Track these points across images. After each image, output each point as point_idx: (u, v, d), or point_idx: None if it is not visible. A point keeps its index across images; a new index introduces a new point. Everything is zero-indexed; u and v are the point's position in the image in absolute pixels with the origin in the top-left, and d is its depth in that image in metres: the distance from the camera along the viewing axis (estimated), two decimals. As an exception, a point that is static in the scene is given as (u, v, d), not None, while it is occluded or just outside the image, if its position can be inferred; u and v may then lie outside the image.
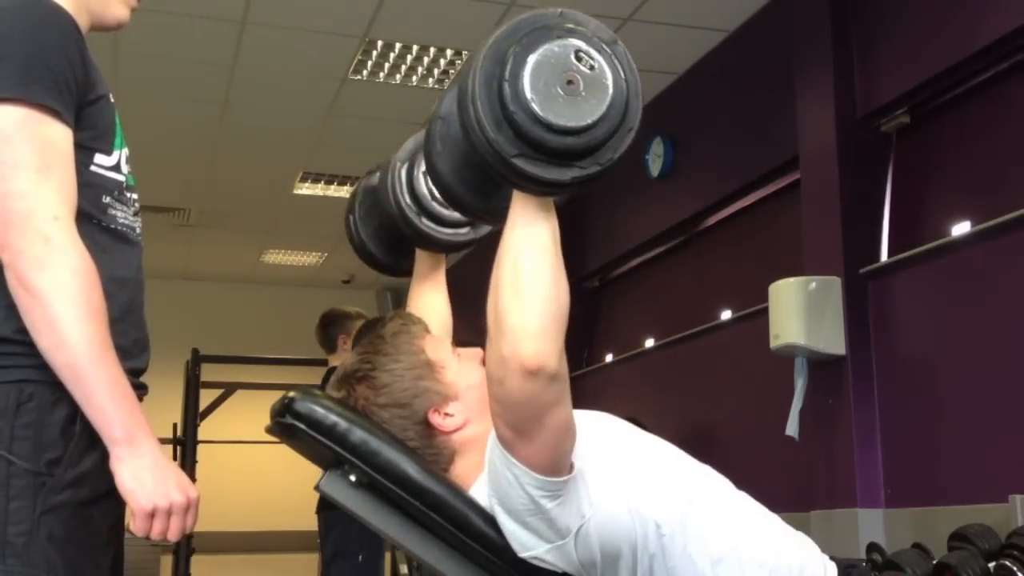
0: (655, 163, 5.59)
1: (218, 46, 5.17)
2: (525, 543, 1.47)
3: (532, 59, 1.27)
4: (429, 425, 1.63)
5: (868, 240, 4.15)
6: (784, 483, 4.40)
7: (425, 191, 1.83)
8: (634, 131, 1.33)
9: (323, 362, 5.06)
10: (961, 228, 3.84)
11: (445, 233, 1.87)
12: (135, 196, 1.65)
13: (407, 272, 2.02)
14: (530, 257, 1.33)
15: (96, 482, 1.44)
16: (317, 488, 1.63)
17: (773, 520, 1.62)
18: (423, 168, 1.80)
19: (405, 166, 1.84)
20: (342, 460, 1.59)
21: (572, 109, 1.27)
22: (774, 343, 4.10)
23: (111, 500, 1.46)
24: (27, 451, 1.38)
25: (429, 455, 1.63)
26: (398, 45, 5.28)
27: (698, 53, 5.30)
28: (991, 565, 2.82)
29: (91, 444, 1.43)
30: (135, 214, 1.63)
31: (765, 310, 4.23)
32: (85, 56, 1.50)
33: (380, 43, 5.24)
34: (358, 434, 1.57)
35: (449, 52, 5.35)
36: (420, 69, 5.54)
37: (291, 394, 1.62)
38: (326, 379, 4.60)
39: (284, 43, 5.17)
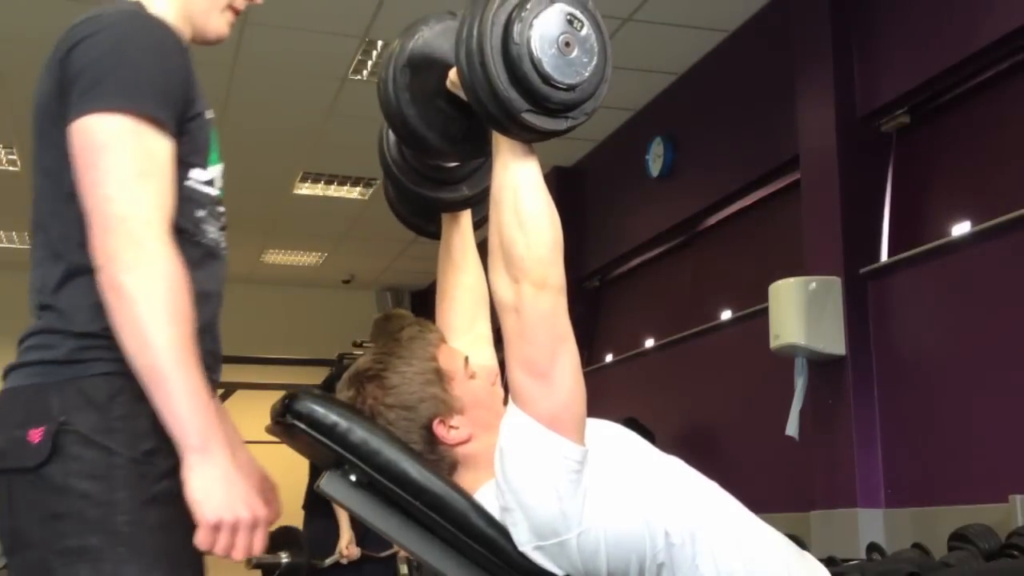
0: (655, 163, 5.59)
1: (218, 46, 5.15)
2: (523, 537, 1.48)
3: (537, 24, 1.44)
4: (433, 433, 1.64)
5: (868, 240, 4.15)
6: (784, 483, 4.40)
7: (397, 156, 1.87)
8: (608, 82, 1.53)
9: (324, 362, 5.06)
10: (961, 228, 3.84)
11: (444, 193, 1.89)
12: (223, 210, 1.68)
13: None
14: (528, 194, 1.49)
15: None
16: (317, 488, 1.63)
17: (782, 540, 1.62)
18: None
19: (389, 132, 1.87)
20: (342, 460, 1.59)
21: (571, 67, 1.46)
22: (774, 343, 4.10)
23: None
24: (124, 442, 1.40)
25: (431, 460, 1.63)
26: (398, 45, 5.28)
27: (698, 53, 5.29)
28: (991, 565, 2.82)
29: None
30: (222, 229, 1.67)
31: (765, 310, 4.23)
32: (189, 72, 1.52)
33: (380, 43, 5.23)
34: (358, 434, 1.57)
35: (449, 52, 5.34)
36: (420, 69, 5.54)
37: (291, 394, 1.62)
38: (327, 380, 4.61)
39: (284, 43, 5.17)
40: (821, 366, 4.11)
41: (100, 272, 1.39)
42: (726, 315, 5.22)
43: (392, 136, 1.84)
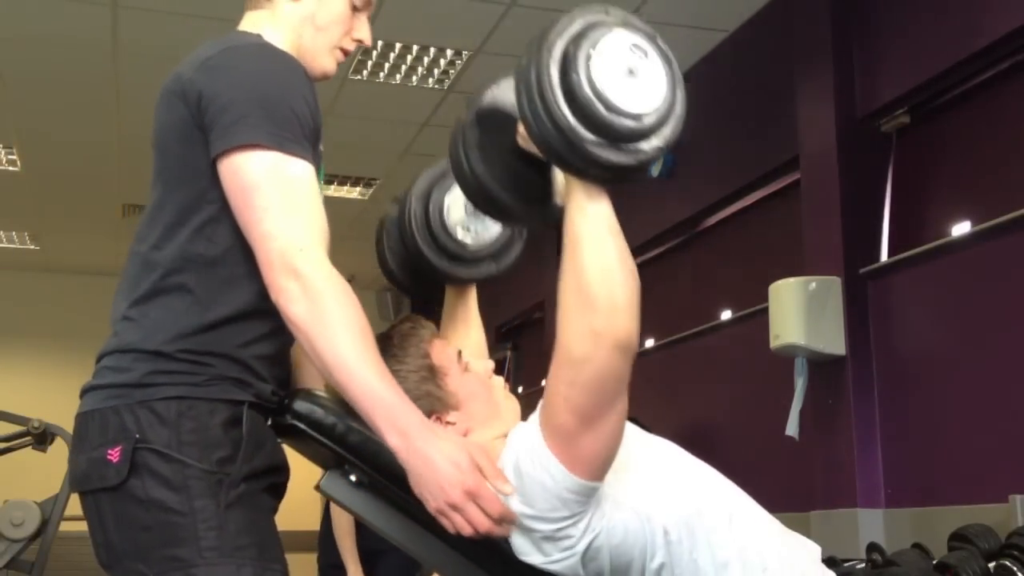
0: (655, 163, 5.58)
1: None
2: (527, 552, 1.48)
3: (597, 52, 1.37)
4: None
5: (868, 240, 4.15)
6: (784, 483, 4.40)
7: (440, 227, 1.82)
8: (680, 118, 1.44)
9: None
10: (961, 228, 3.84)
11: (464, 270, 1.85)
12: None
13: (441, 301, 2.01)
14: (611, 238, 1.42)
15: (268, 473, 1.55)
16: (317, 488, 1.63)
17: (776, 524, 1.62)
18: (440, 205, 1.82)
19: (420, 204, 1.83)
20: (342, 460, 1.59)
21: (636, 95, 1.37)
22: (774, 343, 4.10)
23: (279, 484, 1.59)
24: (196, 455, 1.47)
25: None
26: (398, 45, 5.28)
27: (698, 53, 5.29)
28: (991, 565, 2.82)
29: (260, 443, 1.53)
30: None
31: (765, 310, 4.23)
32: (317, 102, 1.58)
33: (380, 43, 5.23)
34: (358, 434, 1.57)
35: (449, 52, 5.34)
36: (420, 69, 5.54)
37: (291, 394, 1.62)
38: None
39: (284, 43, 5.17)
40: (821, 366, 4.11)
41: (277, 306, 1.47)
42: (726, 315, 5.22)
43: (418, 207, 1.81)
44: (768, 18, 4.82)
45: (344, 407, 1.59)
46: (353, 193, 7.34)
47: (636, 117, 1.37)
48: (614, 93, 1.36)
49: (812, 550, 1.64)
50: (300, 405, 1.60)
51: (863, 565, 3.21)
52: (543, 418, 1.46)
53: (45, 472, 4.60)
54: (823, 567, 1.63)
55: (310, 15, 1.69)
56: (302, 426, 1.59)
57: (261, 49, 1.58)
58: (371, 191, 7.24)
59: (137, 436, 1.47)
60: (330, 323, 1.43)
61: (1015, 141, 3.68)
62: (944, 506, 3.64)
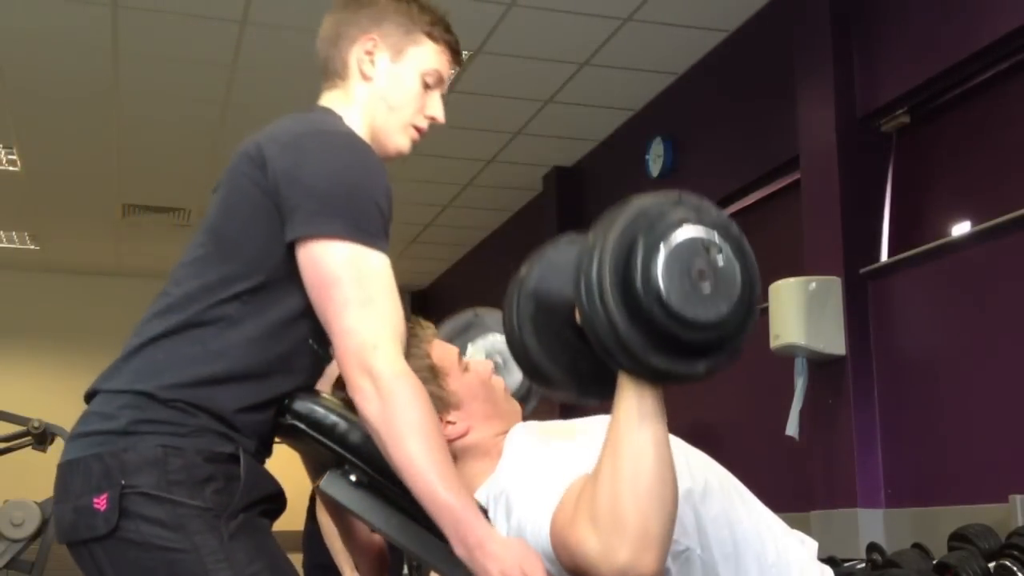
0: (655, 163, 5.59)
1: (218, 46, 5.17)
2: None
3: (662, 253, 1.25)
4: None
5: (868, 240, 4.15)
6: (784, 483, 4.40)
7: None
8: (756, 316, 1.32)
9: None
10: (961, 228, 3.84)
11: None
12: None
13: None
14: (656, 460, 1.30)
15: (265, 501, 1.56)
16: (317, 488, 1.63)
17: (772, 518, 1.63)
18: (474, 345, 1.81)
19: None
20: (342, 460, 1.59)
21: (706, 303, 1.26)
22: (774, 343, 4.10)
23: (276, 509, 1.60)
24: (186, 493, 1.47)
25: None
26: (398, 45, 5.28)
27: (698, 53, 5.29)
28: (991, 565, 2.82)
29: (256, 480, 1.54)
30: None
31: (765, 310, 4.23)
32: (391, 191, 1.59)
33: (380, 43, 5.23)
34: (358, 434, 1.57)
35: (449, 52, 5.34)
36: (420, 69, 5.54)
37: (291, 394, 1.62)
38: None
39: (284, 43, 5.17)
40: (821, 366, 4.11)
41: (353, 402, 1.48)
42: (726, 315, 5.21)
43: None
44: (768, 18, 4.82)
45: (345, 408, 1.60)
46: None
47: (706, 327, 1.26)
48: (680, 301, 1.24)
49: (810, 546, 1.64)
50: (300, 405, 1.59)
51: (863, 565, 3.21)
52: (557, 522, 1.39)
53: (45, 472, 4.58)
54: (820, 564, 1.64)
55: (382, 95, 1.70)
56: (302, 426, 1.59)
57: (350, 139, 1.60)
58: (371, 191, 7.23)
59: (123, 482, 1.46)
60: (399, 426, 1.43)
61: (1015, 141, 3.68)
62: (944, 506, 3.64)
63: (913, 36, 3.96)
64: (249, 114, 6.05)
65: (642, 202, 1.31)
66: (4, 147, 6.60)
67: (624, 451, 1.30)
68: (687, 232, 1.26)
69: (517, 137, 6.32)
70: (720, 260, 1.27)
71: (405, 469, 1.43)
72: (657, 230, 1.26)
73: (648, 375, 1.29)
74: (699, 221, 1.28)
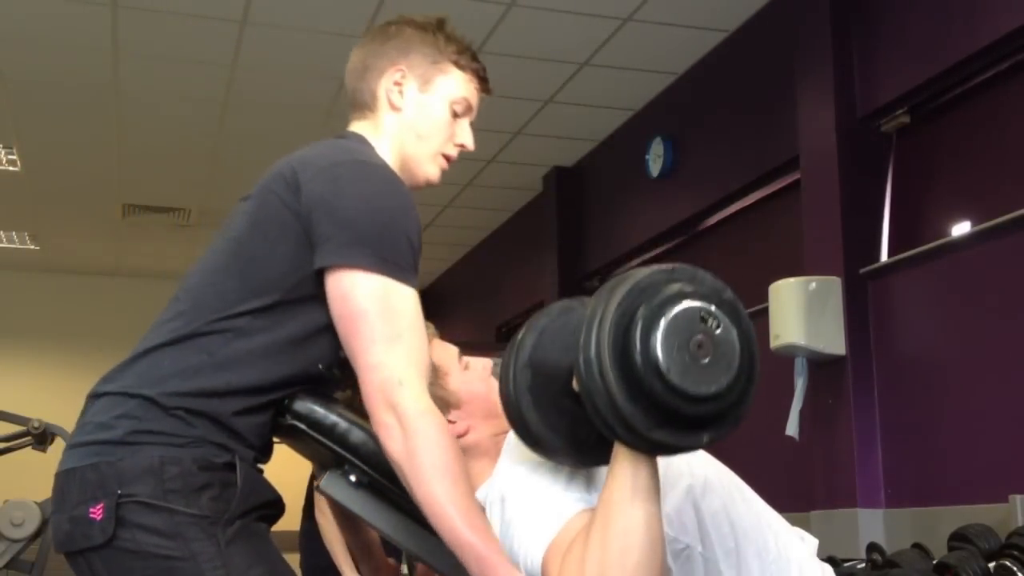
0: (655, 163, 5.59)
1: (218, 46, 5.17)
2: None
3: (661, 327, 1.25)
4: None
5: (868, 240, 4.15)
6: (784, 483, 4.40)
7: None
8: (756, 383, 1.30)
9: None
10: (961, 228, 3.84)
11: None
12: None
13: None
14: (646, 539, 1.29)
15: (262, 508, 1.56)
16: (318, 488, 1.63)
17: (773, 514, 1.63)
18: None
19: None
20: (342, 460, 1.59)
21: (705, 374, 1.24)
22: (774, 343, 4.10)
23: (274, 515, 1.61)
24: (182, 501, 1.47)
25: None
26: (398, 45, 5.28)
27: (698, 53, 5.29)
28: (991, 565, 2.82)
29: (253, 487, 1.54)
30: None
31: (765, 310, 4.23)
32: (420, 223, 1.60)
33: (380, 43, 5.23)
34: (358, 434, 1.57)
35: (449, 52, 5.34)
36: (420, 69, 5.54)
37: (291, 395, 1.62)
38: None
39: (284, 43, 5.17)
40: (821, 366, 4.11)
41: (377, 437, 1.49)
42: (726, 315, 5.21)
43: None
44: (768, 18, 4.82)
45: (345, 408, 1.60)
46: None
47: (707, 399, 1.24)
48: (680, 375, 1.22)
49: (810, 543, 1.65)
50: (300, 405, 1.59)
51: (863, 565, 3.22)
52: (548, 562, 1.38)
53: (45, 472, 4.58)
54: (819, 561, 1.64)
55: (412, 124, 1.72)
56: (302, 426, 1.59)
57: (385, 171, 1.60)
58: (371, 191, 7.23)
59: (119, 491, 1.46)
60: (423, 464, 1.44)
61: (1015, 141, 3.68)
62: (944, 506, 3.64)
63: (913, 36, 3.96)
64: (249, 114, 6.05)
65: (638, 275, 1.32)
66: (4, 147, 6.60)
67: (614, 526, 1.29)
68: (684, 304, 1.27)
69: (517, 137, 6.32)
70: (718, 330, 1.27)
71: (428, 507, 1.43)
72: (654, 303, 1.26)
73: (647, 448, 1.29)
74: (695, 291, 1.29)
